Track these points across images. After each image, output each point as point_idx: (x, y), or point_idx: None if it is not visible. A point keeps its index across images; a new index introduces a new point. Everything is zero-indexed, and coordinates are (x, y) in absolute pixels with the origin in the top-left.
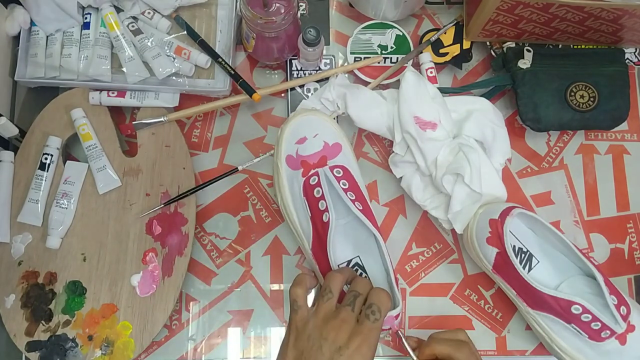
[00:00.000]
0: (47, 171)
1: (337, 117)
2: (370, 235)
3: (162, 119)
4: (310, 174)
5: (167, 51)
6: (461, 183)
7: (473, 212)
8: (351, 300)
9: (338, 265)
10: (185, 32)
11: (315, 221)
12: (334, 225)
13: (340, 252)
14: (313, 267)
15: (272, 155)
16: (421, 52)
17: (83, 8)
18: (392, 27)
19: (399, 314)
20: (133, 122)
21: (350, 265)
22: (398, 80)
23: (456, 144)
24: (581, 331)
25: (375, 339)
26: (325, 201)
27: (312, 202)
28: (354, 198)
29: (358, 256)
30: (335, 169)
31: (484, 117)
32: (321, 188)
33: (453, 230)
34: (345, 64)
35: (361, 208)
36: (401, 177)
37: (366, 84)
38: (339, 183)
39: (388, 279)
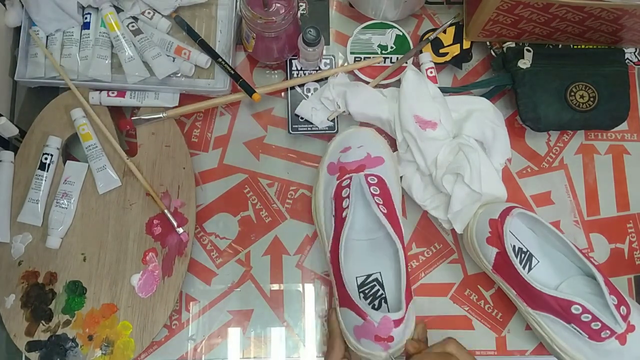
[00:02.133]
0: (47, 171)
1: (337, 116)
2: (395, 252)
3: (160, 115)
4: (344, 177)
5: (167, 51)
6: (461, 183)
7: (473, 212)
8: None
9: (356, 278)
10: (185, 32)
11: (337, 221)
12: (356, 224)
13: (361, 265)
14: (329, 269)
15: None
16: (420, 51)
17: (83, 8)
18: (392, 27)
19: (398, 319)
20: (132, 117)
21: (369, 280)
22: (398, 80)
23: (456, 143)
24: (581, 331)
25: None
26: (349, 199)
27: (338, 202)
28: (380, 203)
29: (379, 272)
30: (371, 177)
31: (484, 117)
32: (349, 189)
33: (453, 230)
34: (345, 64)
35: (385, 212)
36: (401, 177)
37: (366, 83)
38: (370, 188)
39: (399, 292)
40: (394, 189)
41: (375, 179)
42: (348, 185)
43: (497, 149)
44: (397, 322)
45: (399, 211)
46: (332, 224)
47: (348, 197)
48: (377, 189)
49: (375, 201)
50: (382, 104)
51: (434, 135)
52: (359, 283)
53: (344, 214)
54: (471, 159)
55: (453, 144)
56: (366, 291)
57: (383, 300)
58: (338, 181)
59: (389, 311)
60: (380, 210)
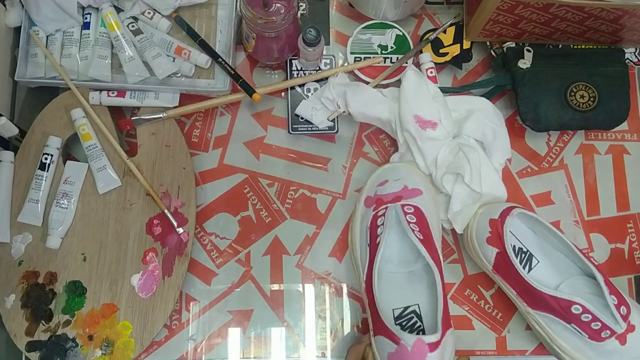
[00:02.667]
0: (47, 171)
1: (337, 116)
2: (433, 283)
3: (161, 115)
4: (380, 207)
5: (167, 51)
6: (461, 183)
7: (473, 212)
8: None
9: (393, 310)
10: (185, 32)
11: (371, 250)
12: (384, 247)
13: (398, 297)
14: (363, 299)
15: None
16: (420, 51)
17: (83, 8)
18: (392, 27)
19: (433, 342)
20: (132, 117)
21: (407, 312)
22: (398, 80)
23: (456, 143)
24: (581, 331)
25: None
26: (383, 227)
27: (373, 231)
28: (416, 229)
29: (417, 304)
30: (407, 206)
31: (484, 116)
32: (384, 217)
33: (453, 230)
34: (345, 64)
35: (421, 238)
36: None
37: (366, 83)
38: (406, 216)
39: (436, 315)
40: (433, 220)
41: (412, 208)
42: (383, 215)
43: (497, 149)
44: (433, 346)
45: (438, 243)
46: (367, 253)
47: (383, 224)
48: (414, 217)
49: (411, 228)
50: (382, 104)
51: (434, 135)
52: (395, 315)
53: (377, 241)
54: (471, 158)
55: (453, 143)
56: (403, 323)
57: (421, 332)
58: (374, 212)
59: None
60: (417, 237)
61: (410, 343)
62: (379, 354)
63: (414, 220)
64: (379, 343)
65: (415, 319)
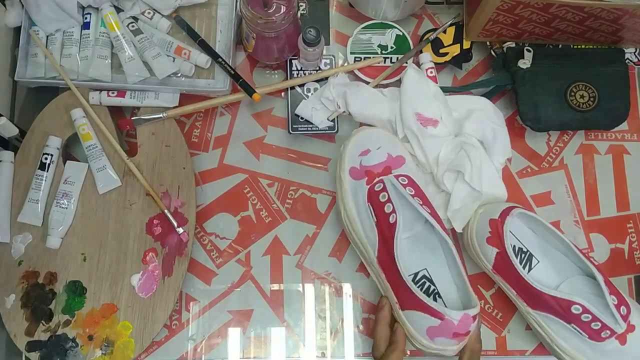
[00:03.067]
0: (47, 171)
1: (337, 116)
2: (437, 245)
3: (161, 115)
4: (375, 181)
5: (167, 51)
6: (462, 181)
7: (472, 210)
8: None
9: (408, 276)
10: (185, 32)
11: (381, 227)
12: (402, 225)
13: (410, 264)
14: (378, 276)
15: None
16: (420, 52)
17: (83, 8)
18: (392, 27)
19: (476, 314)
20: (132, 117)
21: (418, 278)
22: (398, 80)
23: (458, 141)
24: (581, 331)
25: None
26: (391, 204)
27: (377, 207)
28: (421, 203)
29: (425, 268)
30: (400, 177)
31: (484, 116)
32: (387, 193)
33: (453, 230)
34: (345, 64)
35: (429, 212)
36: None
37: (366, 83)
38: (405, 189)
39: (462, 284)
40: (420, 182)
41: (406, 179)
42: (384, 190)
43: (498, 149)
44: (475, 317)
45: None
46: (374, 230)
47: (389, 201)
48: (412, 189)
49: (417, 201)
50: (382, 103)
51: (436, 133)
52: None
53: (390, 219)
54: (472, 157)
55: (455, 141)
56: (419, 289)
57: (437, 295)
58: (369, 186)
59: (445, 305)
60: (425, 210)
61: (456, 318)
62: (413, 328)
63: (413, 193)
64: (412, 317)
65: (427, 283)
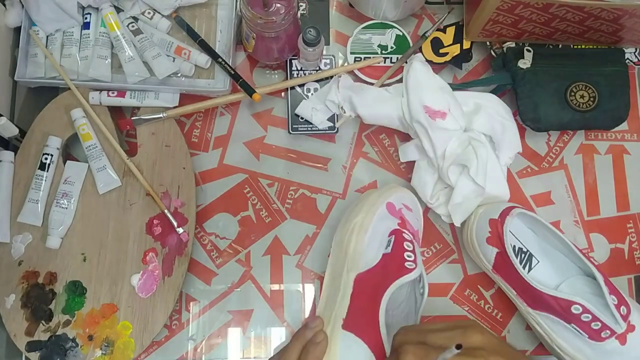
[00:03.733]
0: (47, 171)
1: (337, 116)
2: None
3: (160, 115)
4: (406, 234)
5: (167, 51)
6: (466, 176)
7: (474, 206)
8: None
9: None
10: (185, 32)
11: (388, 259)
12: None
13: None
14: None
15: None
16: (419, 49)
17: (83, 8)
18: (392, 27)
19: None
20: (132, 117)
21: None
22: (399, 80)
23: (466, 137)
24: (581, 331)
25: None
26: (415, 264)
27: (399, 250)
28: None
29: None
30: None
31: (493, 111)
32: (414, 254)
33: (453, 230)
34: (345, 64)
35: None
36: (409, 177)
37: (367, 84)
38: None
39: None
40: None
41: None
42: (411, 242)
43: (507, 143)
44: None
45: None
46: (377, 255)
47: (414, 261)
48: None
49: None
50: (390, 101)
51: (445, 125)
52: None
53: (407, 265)
54: (479, 153)
55: (463, 137)
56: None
57: None
58: (400, 228)
59: None
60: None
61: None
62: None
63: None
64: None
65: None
